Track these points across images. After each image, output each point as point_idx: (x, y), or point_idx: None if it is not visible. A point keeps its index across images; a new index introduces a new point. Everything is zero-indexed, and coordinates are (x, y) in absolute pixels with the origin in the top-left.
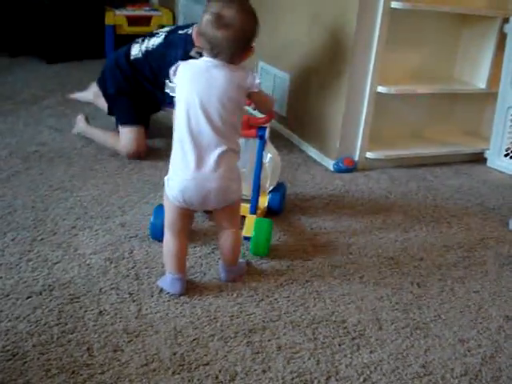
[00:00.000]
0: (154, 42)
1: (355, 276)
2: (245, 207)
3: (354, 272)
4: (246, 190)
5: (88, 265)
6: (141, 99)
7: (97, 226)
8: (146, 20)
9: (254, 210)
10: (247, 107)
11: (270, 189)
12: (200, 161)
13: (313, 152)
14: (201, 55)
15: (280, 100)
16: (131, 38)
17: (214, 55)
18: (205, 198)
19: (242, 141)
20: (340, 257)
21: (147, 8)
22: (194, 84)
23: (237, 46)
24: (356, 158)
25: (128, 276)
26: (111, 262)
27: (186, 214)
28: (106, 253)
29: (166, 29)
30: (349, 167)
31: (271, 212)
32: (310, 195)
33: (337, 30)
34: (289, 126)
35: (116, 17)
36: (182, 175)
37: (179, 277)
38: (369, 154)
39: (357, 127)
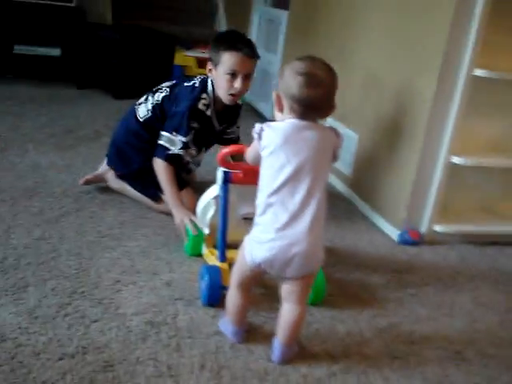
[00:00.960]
0: (159, 96)
1: (416, 371)
2: None
3: (415, 366)
4: None
5: (127, 327)
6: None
7: (142, 282)
8: None
9: None
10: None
11: None
12: (291, 223)
13: (377, 219)
14: (207, 107)
15: (346, 160)
16: None
17: (303, 116)
18: (289, 261)
19: None
20: (401, 346)
21: None
22: (286, 147)
23: (327, 104)
24: (423, 231)
25: (169, 346)
26: (152, 327)
27: (258, 275)
28: (148, 315)
29: (168, 83)
30: (414, 240)
31: None
32: (372, 268)
33: (413, 93)
34: (353, 188)
35: (186, 57)
36: (270, 236)
37: (241, 330)
38: (437, 227)
39: (426, 197)
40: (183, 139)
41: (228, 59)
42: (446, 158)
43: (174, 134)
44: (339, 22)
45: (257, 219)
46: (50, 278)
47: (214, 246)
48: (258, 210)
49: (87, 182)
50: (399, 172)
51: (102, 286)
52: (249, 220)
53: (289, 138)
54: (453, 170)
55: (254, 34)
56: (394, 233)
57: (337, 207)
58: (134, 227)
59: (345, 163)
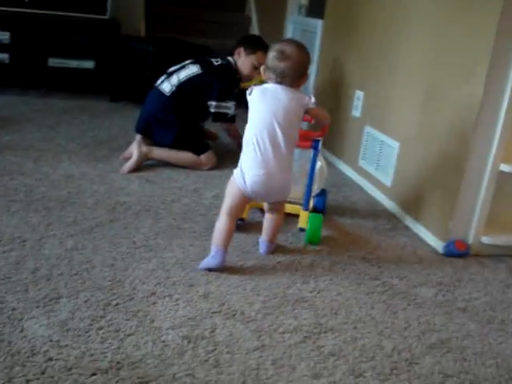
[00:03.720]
0: (187, 73)
1: None
2: (296, 207)
3: None
4: (297, 193)
5: (163, 342)
6: (195, 124)
7: (178, 294)
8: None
9: (306, 207)
10: (304, 123)
11: (317, 192)
12: (267, 159)
13: (420, 230)
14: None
15: (386, 169)
16: None
17: (279, 82)
18: (269, 191)
19: (297, 150)
20: (453, 363)
21: None
22: (265, 100)
23: (295, 74)
24: (469, 242)
25: (207, 361)
26: (189, 342)
27: (245, 202)
28: (185, 329)
29: (188, 62)
30: (461, 251)
31: (316, 211)
32: (417, 281)
33: (458, 100)
34: (394, 199)
35: None
36: (254, 171)
37: (223, 249)
38: (484, 239)
39: (473, 207)
40: (234, 102)
41: (261, 57)
42: (493, 166)
43: (227, 101)
44: (377, 30)
45: (242, 155)
46: (83, 289)
47: None
48: (243, 147)
49: (126, 159)
50: (443, 181)
51: (137, 298)
52: None
53: (266, 94)
54: (501, 178)
55: None
56: (438, 244)
57: (377, 218)
58: (170, 238)
59: (385, 173)
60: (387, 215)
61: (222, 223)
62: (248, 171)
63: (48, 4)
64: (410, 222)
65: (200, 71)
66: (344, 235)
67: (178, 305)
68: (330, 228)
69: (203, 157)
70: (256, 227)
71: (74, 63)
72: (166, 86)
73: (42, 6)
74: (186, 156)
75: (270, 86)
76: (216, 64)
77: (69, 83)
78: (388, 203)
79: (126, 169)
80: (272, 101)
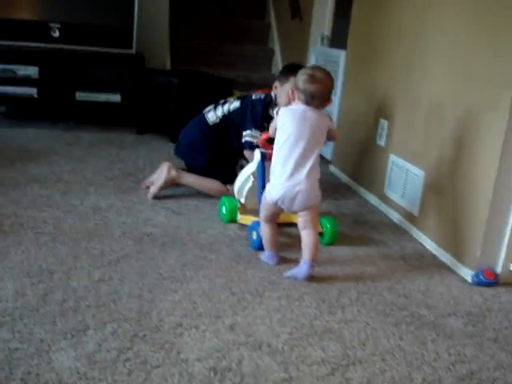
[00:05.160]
0: (230, 106)
1: None
2: (290, 216)
3: None
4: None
5: (190, 373)
6: (227, 155)
7: (204, 325)
8: None
9: None
10: None
11: None
12: (293, 172)
13: (447, 259)
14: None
15: (412, 198)
16: None
17: (307, 103)
18: (294, 198)
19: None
20: None
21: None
22: (293, 119)
23: (323, 96)
24: (498, 271)
25: None
26: (216, 374)
27: (277, 211)
28: (212, 361)
29: (234, 97)
30: (490, 280)
31: None
32: (446, 311)
33: (482, 127)
34: (420, 228)
35: None
36: (280, 181)
37: (275, 253)
38: None
39: (501, 236)
40: (259, 133)
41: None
42: None
43: (254, 130)
44: (400, 58)
45: (272, 169)
46: (110, 321)
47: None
48: (272, 163)
49: (147, 187)
50: (471, 210)
51: (164, 329)
52: None
53: (294, 114)
54: None
55: None
56: (466, 273)
57: (404, 248)
58: (196, 269)
59: (411, 202)
60: (414, 244)
61: (265, 229)
62: (274, 181)
63: (75, 39)
64: (437, 251)
65: (239, 106)
66: (371, 265)
67: (204, 336)
68: (357, 258)
69: (230, 187)
70: (283, 260)
71: (100, 97)
72: (212, 115)
73: (70, 41)
74: (212, 184)
75: (299, 107)
76: (253, 98)
77: (96, 116)
78: (414, 232)
79: (152, 191)
80: (300, 120)
